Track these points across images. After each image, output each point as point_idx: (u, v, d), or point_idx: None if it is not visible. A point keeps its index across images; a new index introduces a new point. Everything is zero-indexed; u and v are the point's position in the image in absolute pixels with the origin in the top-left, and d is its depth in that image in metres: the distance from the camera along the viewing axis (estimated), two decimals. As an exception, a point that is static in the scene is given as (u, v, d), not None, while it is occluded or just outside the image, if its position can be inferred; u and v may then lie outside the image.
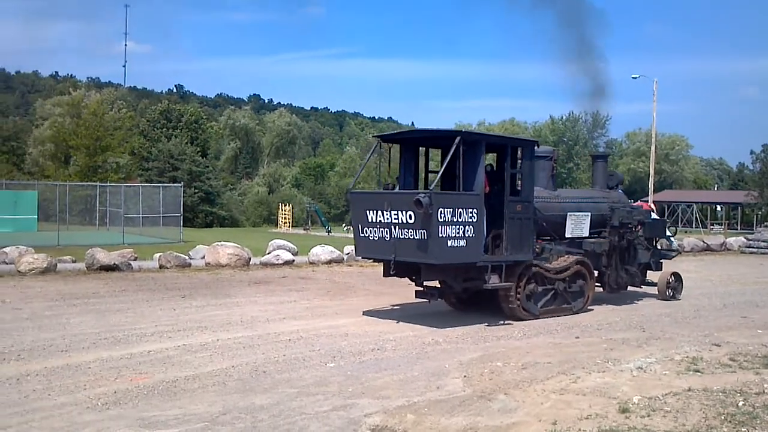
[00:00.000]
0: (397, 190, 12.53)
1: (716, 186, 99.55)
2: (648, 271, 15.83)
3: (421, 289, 12.65)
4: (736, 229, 64.31)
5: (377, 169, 14.43)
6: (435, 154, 14.03)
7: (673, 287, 15.60)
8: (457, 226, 11.06)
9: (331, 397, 7.09)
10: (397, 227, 11.26)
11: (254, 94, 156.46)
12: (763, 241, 34.28)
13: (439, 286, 12.78)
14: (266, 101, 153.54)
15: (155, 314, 12.15)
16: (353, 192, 13.33)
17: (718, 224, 70.17)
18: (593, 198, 15.11)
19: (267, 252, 22.10)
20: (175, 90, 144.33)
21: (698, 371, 8.38)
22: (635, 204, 17.04)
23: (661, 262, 16.16)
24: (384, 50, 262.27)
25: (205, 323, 11.32)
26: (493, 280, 11.72)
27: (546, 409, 6.75)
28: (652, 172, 50.61)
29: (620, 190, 16.29)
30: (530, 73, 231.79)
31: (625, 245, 14.82)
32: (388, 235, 11.43)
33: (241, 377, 7.88)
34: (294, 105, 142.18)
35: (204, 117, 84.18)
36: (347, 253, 22.68)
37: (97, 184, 40.25)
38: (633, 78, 47.11)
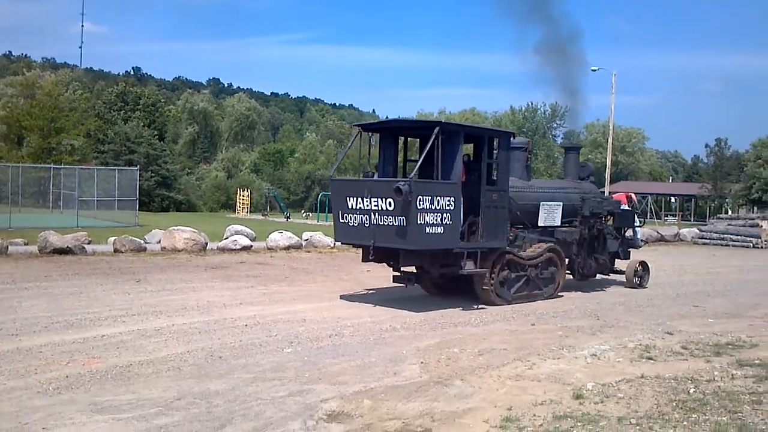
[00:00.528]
0: (376, 178, 12.74)
1: (671, 178, 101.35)
2: (616, 260, 16.30)
3: (399, 274, 13.06)
4: (690, 221, 65.50)
5: (356, 157, 14.68)
6: (413, 143, 14.20)
7: (641, 275, 16.06)
8: (435, 214, 11.39)
9: (288, 383, 7.05)
10: (376, 214, 11.55)
11: (213, 78, 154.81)
12: (716, 233, 34.98)
13: (415, 271, 13.11)
14: (226, 85, 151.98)
15: (109, 298, 11.96)
16: (334, 179, 13.66)
17: (672, 216, 71.41)
18: (565, 188, 15.51)
19: (224, 237, 21.90)
20: (132, 72, 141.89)
21: (651, 359, 8.52)
22: (616, 195, 17.85)
23: (629, 251, 16.68)
24: (346, 37, 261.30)
25: (160, 308, 11.16)
26: (469, 266, 12.09)
27: (501, 395, 6.80)
28: (609, 163, 51.25)
29: (591, 181, 16.72)
30: (491, 63, 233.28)
31: (595, 234, 15.34)
32: (368, 222, 11.72)
33: (197, 362, 7.80)
34: (254, 90, 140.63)
35: (162, 100, 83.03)
36: (306, 239, 22.61)
37: (51, 166, 39.34)
38: (592, 70, 47.53)
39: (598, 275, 16.05)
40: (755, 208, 52.06)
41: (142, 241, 20.13)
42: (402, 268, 12.96)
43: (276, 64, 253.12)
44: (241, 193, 58.77)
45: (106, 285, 13.43)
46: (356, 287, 14.43)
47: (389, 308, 11.93)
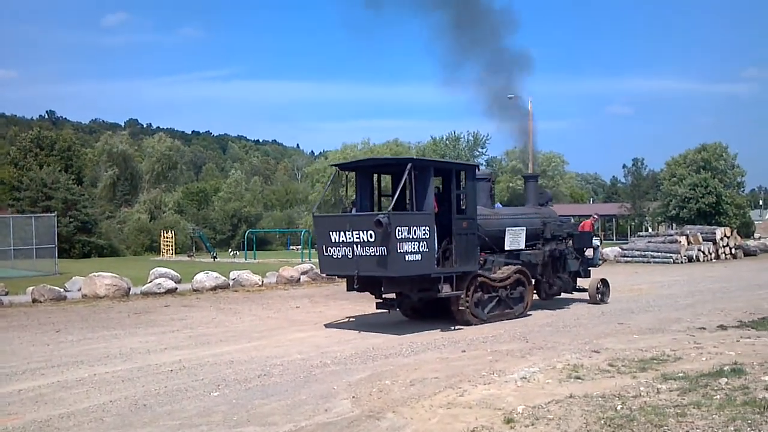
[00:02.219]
0: (354, 212, 13.69)
1: (591, 199, 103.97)
2: (578, 278, 17.42)
3: (381, 301, 14.08)
4: (612, 240, 67.16)
5: (331, 194, 16.28)
6: (386, 178, 15.49)
7: (602, 292, 17.15)
8: (413, 243, 12.37)
9: (216, 427, 6.85)
10: (359, 245, 12.48)
11: (132, 119, 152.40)
12: (637, 250, 36.03)
13: (395, 297, 14.03)
14: (144, 126, 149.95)
15: (27, 351, 11.48)
16: (317, 216, 14.29)
17: (595, 236, 73.00)
18: (527, 214, 16.62)
19: (148, 281, 21.38)
20: (46, 116, 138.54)
21: (579, 378, 8.61)
22: (586, 222, 19.93)
23: (590, 270, 17.92)
24: (266, 72, 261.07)
25: (81, 358, 10.77)
26: (446, 290, 13.09)
27: (434, 424, 6.76)
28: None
29: (550, 206, 18.02)
30: (413, 94, 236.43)
31: (557, 255, 16.42)
32: (351, 253, 12.62)
33: (120, 412, 7.52)
34: (175, 129, 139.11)
35: (78, 143, 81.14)
36: (233, 279, 22.28)
37: (-37, 216, 37.95)
38: (508, 98, 48.50)
39: (562, 294, 17.05)
40: (673, 225, 53.68)
41: (61, 290, 19.47)
42: (383, 295, 13.78)
43: (196, 102, 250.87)
44: (165, 234, 57.70)
45: (23, 337, 12.92)
46: (285, 324, 14.24)
47: (319, 344, 11.79)
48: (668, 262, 33.67)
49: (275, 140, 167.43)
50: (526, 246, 15.66)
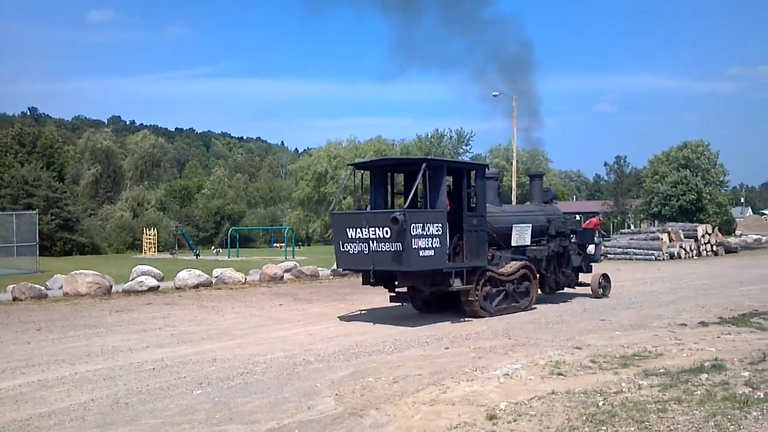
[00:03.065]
0: (368, 210, 14.36)
1: (575, 197, 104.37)
2: (580, 273, 18.17)
3: (394, 294, 14.82)
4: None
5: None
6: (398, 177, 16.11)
7: (604, 286, 17.89)
8: (427, 239, 12.97)
9: (198, 426, 6.83)
10: (374, 241, 13.10)
11: (115, 116, 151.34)
12: (620, 247, 36.23)
13: (406, 291, 14.73)
14: (128, 123, 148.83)
15: (7, 349, 11.38)
16: (334, 213, 15.17)
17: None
18: (532, 211, 17.39)
19: (130, 279, 21.26)
20: (29, 113, 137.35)
21: (561, 374, 8.65)
22: (592, 219, 20.62)
23: (591, 265, 18.53)
24: (250, 70, 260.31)
25: (62, 356, 10.69)
26: (456, 284, 13.69)
27: (417, 421, 6.76)
28: (514, 186, 52.35)
29: (554, 204, 18.70)
30: (396, 92, 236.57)
31: (560, 251, 17.19)
32: (367, 249, 13.24)
33: (101, 411, 7.47)
34: (158, 126, 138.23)
35: (60, 140, 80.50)
36: (216, 276, 22.19)
37: (-57, 213, 37.55)
38: (494, 95, 48.57)
39: (565, 288, 17.69)
40: (655, 222, 54.02)
41: (42, 288, 19.30)
42: (396, 289, 14.66)
43: (180, 99, 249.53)
44: (148, 232, 57.43)
45: (3, 336, 12.79)
46: (268, 322, 14.20)
47: (302, 342, 11.77)
48: (650, 259, 33.91)
49: (259, 137, 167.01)
50: (531, 242, 16.33)
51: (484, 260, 14.35)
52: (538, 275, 16.01)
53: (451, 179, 15.19)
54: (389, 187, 15.24)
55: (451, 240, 13.78)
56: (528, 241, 16.23)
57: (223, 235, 64.27)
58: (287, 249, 45.13)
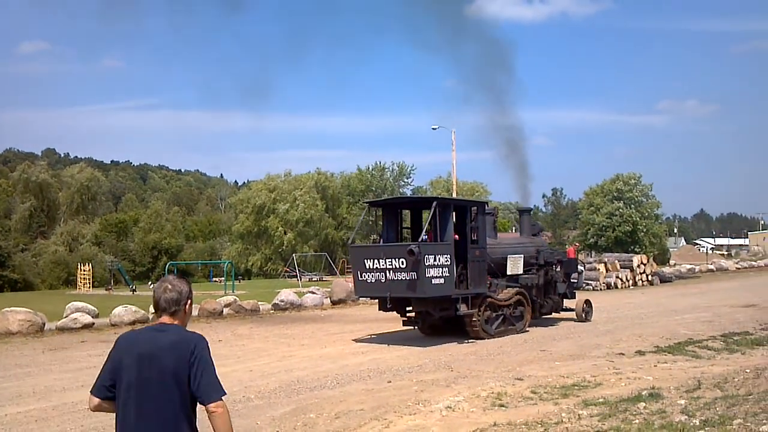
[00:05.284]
0: (381, 243, 15.97)
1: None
2: (564, 299, 19.59)
3: (406, 319, 16.24)
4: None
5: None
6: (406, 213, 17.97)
7: (586, 311, 19.36)
8: (438, 268, 14.55)
9: (134, 467, 6.60)
10: (391, 271, 14.65)
11: (49, 148, 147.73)
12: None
13: (415, 316, 16.06)
14: (62, 155, 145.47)
15: (-68, 392, 10.91)
16: (353, 246, 17.24)
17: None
18: (523, 243, 19.07)
19: (64, 316, 20.63)
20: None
21: (503, 406, 8.68)
22: (570, 249, 22.30)
23: (575, 292, 20.21)
24: (187, 102, 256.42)
25: (-9, 398, 10.29)
26: (463, 308, 15.18)
27: (359, 457, 6.68)
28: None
29: (541, 236, 20.66)
30: (334, 125, 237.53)
31: (548, 279, 18.77)
32: (384, 278, 14.77)
33: (32, 454, 7.19)
34: (93, 158, 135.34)
35: (-9, 174, 78.27)
36: (153, 312, 21.67)
37: None
38: (433, 129, 49.02)
39: (552, 313, 19.20)
40: (592, 253, 55.01)
41: (-29, 326, 18.58)
42: (407, 315, 16.07)
43: (115, 131, 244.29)
44: (83, 267, 55.97)
45: (-72, 377, 12.26)
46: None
47: (242, 379, 11.57)
48: (588, 289, 34.42)
49: (198, 170, 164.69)
50: (523, 271, 17.79)
51: (485, 287, 15.93)
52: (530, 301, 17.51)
53: (454, 215, 16.26)
54: (400, 221, 16.96)
55: (456, 269, 15.16)
56: (521, 270, 17.71)
57: (160, 270, 63.04)
58: (227, 283, 44.48)
